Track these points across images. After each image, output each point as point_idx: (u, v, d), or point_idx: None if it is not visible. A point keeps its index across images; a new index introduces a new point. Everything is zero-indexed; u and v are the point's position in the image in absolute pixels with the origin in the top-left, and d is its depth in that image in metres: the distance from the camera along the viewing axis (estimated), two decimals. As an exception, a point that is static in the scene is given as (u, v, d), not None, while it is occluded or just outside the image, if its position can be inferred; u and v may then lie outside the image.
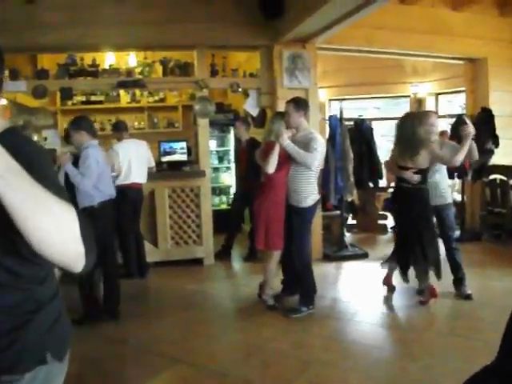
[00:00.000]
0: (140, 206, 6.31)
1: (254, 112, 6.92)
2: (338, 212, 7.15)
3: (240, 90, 6.88)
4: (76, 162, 4.67)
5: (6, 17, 5.84)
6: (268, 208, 4.84)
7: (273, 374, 3.72)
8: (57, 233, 1.18)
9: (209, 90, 6.83)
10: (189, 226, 6.75)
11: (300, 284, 5.07)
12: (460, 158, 4.68)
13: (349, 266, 6.57)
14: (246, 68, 7.54)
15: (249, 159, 6.67)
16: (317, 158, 4.71)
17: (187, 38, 6.39)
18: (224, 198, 9.05)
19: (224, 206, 8.83)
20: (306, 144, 4.69)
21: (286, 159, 4.74)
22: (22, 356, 1.39)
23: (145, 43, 6.57)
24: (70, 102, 8.71)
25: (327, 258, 6.85)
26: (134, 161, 6.09)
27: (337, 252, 6.95)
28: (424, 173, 4.86)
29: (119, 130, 6.36)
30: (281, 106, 6.55)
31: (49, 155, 1.55)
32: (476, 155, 4.97)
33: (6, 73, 6.50)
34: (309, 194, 4.81)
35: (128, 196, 6.04)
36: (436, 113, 5.34)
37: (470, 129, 4.67)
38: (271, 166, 4.65)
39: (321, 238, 6.94)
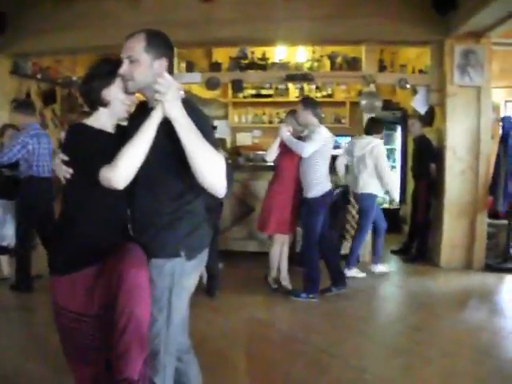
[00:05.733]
0: None
1: (422, 110, 6.69)
2: (506, 221, 6.66)
3: (408, 86, 6.68)
4: None
5: (184, 14, 6.41)
6: (272, 196, 5.27)
7: (415, 378, 3.57)
8: (212, 169, 1.93)
9: (376, 85, 6.73)
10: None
11: (304, 271, 5.22)
12: None
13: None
14: (416, 64, 7.31)
15: (417, 157, 6.64)
16: (306, 146, 4.90)
17: (356, 32, 6.39)
18: (387, 197, 8.82)
19: (385, 205, 8.61)
20: (308, 136, 5.04)
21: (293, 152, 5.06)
22: (164, 247, 2.12)
23: (314, 38, 6.68)
24: (240, 95, 9.11)
25: (489, 268, 6.37)
26: None
27: (500, 263, 6.46)
28: None
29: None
30: (450, 104, 6.31)
31: (209, 119, 2.25)
32: None
33: (184, 65, 7.03)
34: (314, 184, 5.03)
35: None
36: None
37: None
38: (269, 156, 5.20)
39: (484, 246, 6.49)
